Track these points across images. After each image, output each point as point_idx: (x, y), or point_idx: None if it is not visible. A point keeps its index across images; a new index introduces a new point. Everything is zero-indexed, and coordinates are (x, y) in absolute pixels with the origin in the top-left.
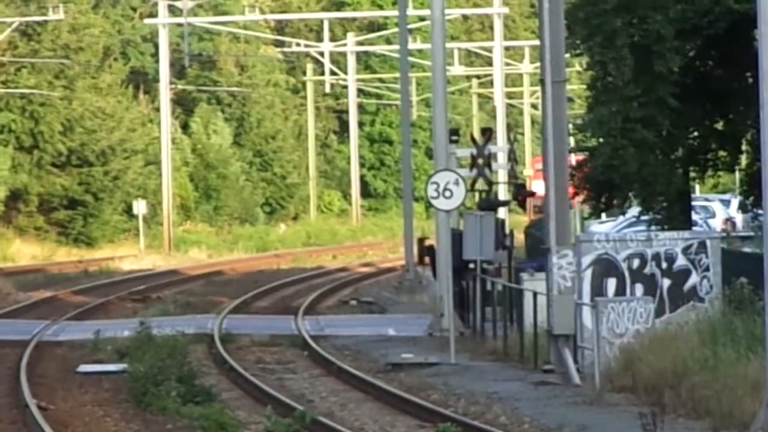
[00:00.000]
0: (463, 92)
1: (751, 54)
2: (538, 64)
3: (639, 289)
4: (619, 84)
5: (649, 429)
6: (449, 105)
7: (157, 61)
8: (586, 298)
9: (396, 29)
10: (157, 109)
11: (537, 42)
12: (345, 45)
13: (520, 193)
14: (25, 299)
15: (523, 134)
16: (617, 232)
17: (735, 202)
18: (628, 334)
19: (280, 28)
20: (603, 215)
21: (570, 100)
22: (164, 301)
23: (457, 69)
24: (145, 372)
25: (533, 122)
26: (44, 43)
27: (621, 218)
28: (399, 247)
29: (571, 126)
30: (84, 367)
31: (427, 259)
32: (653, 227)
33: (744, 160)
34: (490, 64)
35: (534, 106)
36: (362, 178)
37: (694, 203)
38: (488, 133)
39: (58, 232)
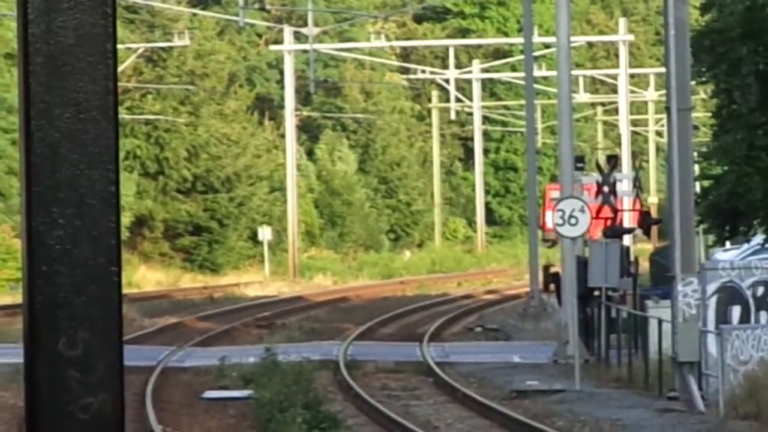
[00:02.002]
0: (588, 119)
1: None
2: (663, 91)
3: (764, 316)
4: (744, 111)
5: None
6: (574, 132)
7: (282, 88)
8: (711, 325)
9: (521, 56)
10: (283, 136)
11: (662, 69)
12: (470, 72)
13: (645, 221)
14: (151, 325)
15: (648, 162)
16: (742, 259)
17: None
18: (753, 362)
19: (405, 54)
20: (727, 243)
21: (695, 127)
22: (289, 328)
23: (582, 96)
24: (271, 398)
25: (658, 150)
26: (169, 69)
27: (745, 246)
28: (524, 274)
29: (696, 154)
30: (209, 393)
31: (552, 286)
32: None
33: None
34: (615, 91)
35: (659, 134)
36: (487, 205)
37: None
38: (613, 161)
39: (183, 258)
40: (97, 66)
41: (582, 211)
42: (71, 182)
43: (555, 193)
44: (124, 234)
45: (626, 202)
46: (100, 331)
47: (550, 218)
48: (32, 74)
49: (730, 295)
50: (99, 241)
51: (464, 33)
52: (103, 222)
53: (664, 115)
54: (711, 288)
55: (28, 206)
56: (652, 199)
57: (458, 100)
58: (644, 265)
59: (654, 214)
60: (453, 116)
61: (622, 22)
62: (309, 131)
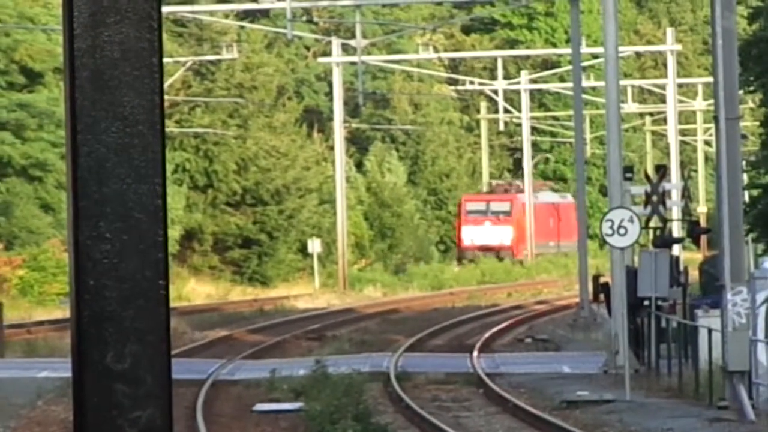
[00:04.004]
0: (637, 129)
1: None
2: (711, 101)
3: None
4: None
5: None
6: (623, 142)
7: (331, 100)
8: (761, 334)
9: (569, 67)
10: (332, 148)
11: (710, 79)
12: (519, 83)
13: (695, 230)
14: (201, 338)
15: (696, 171)
16: None
17: None
18: None
19: (453, 66)
20: None
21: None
22: (340, 340)
23: (630, 106)
24: (322, 410)
25: (707, 159)
26: (218, 82)
27: None
28: (573, 284)
29: (744, 163)
30: (260, 406)
31: (601, 297)
32: None
33: None
34: (663, 101)
35: (707, 143)
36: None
37: None
38: (662, 171)
39: (232, 271)
40: (144, 80)
41: (631, 221)
42: (118, 196)
43: (472, 206)
44: (174, 247)
45: (675, 212)
46: (148, 345)
47: (466, 234)
48: (78, 89)
49: None
50: (146, 254)
51: (512, 44)
52: (150, 236)
53: (712, 125)
54: (761, 297)
55: (75, 220)
56: (701, 209)
57: (507, 111)
58: (694, 274)
59: (703, 223)
60: (501, 127)
61: (669, 32)
62: (358, 143)
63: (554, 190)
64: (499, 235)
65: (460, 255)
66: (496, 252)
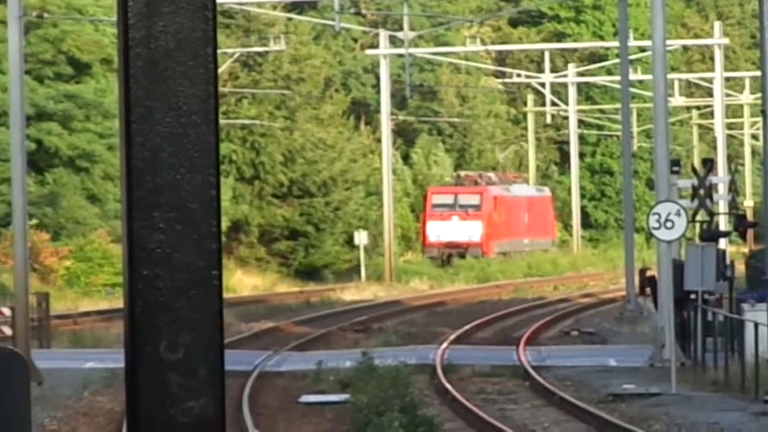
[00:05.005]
0: (684, 123)
1: None
2: (758, 94)
3: None
4: None
5: None
6: (670, 136)
7: (378, 92)
8: None
9: (617, 60)
10: (378, 140)
11: (758, 73)
12: (566, 76)
13: (741, 224)
14: (247, 330)
15: (743, 165)
16: None
17: None
18: None
19: (500, 59)
20: None
21: None
22: (386, 332)
23: (677, 100)
24: (368, 402)
25: (754, 153)
26: (265, 74)
27: None
28: (620, 277)
29: None
30: (306, 398)
31: (648, 290)
32: None
33: None
34: (710, 95)
35: (754, 137)
36: (583, 208)
37: None
38: (709, 164)
39: (279, 263)
40: (198, 70)
41: (678, 214)
42: (172, 186)
43: (438, 198)
44: None
45: (722, 206)
46: (201, 335)
47: (432, 229)
48: (133, 78)
49: None
50: (200, 245)
51: (560, 37)
52: (204, 226)
53: (759, 119)
54: None
55: (129, 211)
56: (748, 203)
57: (554, 103)
58: (740, 268)
59: (750, 217)
60: (548, 120)
61: (717, 25)
62: (405, 135)
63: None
64: (468, 230)
65: (426, 253)
66: (464, 249)
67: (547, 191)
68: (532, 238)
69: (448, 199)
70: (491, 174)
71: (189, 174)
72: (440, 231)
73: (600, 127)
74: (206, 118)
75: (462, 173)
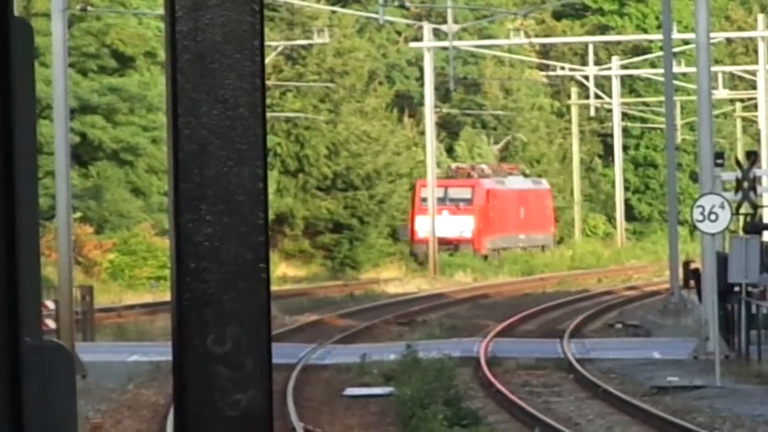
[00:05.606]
0: (727, 116)
1: None
2: None
3: None
4: None
5: None
6: (714, 128)
7: (421, 85)
8: None
9: (660, 53)
10: (422, 133)
11: None
12: (609, 69)
13: None
14: (291, 323)
15: None
16: None
17: None
18: None
19: (544, 51)
20: None
21: None
22: (430, 325)
23: (721, 92)
24: (412, 395)
25: None
26: (309, 66)
27: None
28: (664, 270)
29: None
30: (350, 391)
31: (692, 283)
32: None
33: None
34: (754, 87)
35: None
36: (627, 201)
37: None
38: (753, 157)
39: (323, 256)
40: (245, 63)
41: (722, 207)
42: (219, 179)
43: (428, 192)
44: None
45: (766, 198)
46: (249, 328)
47: (421, 225)
48: (180, 71)
49: None
50: (247, 237)
51: (603, 30)
52: (251, 219)
53: None
54: None
55: (176, 204)
56: None
57: (597, 96)
58: None
59: None
60: (592, 113)
61: (760, 18)
62: (449, 128)
63: (525, 175)
64: (458, 225)
65: (413, 250)
66: (454, 246)
67: (545, 184)
68: (529, 234)
69: (438, 192)
70: (484, 166)
71: (236, 167)
72: (429, 226)
73: (644, 120)
74: (253, 111)
75: (454, 165)
